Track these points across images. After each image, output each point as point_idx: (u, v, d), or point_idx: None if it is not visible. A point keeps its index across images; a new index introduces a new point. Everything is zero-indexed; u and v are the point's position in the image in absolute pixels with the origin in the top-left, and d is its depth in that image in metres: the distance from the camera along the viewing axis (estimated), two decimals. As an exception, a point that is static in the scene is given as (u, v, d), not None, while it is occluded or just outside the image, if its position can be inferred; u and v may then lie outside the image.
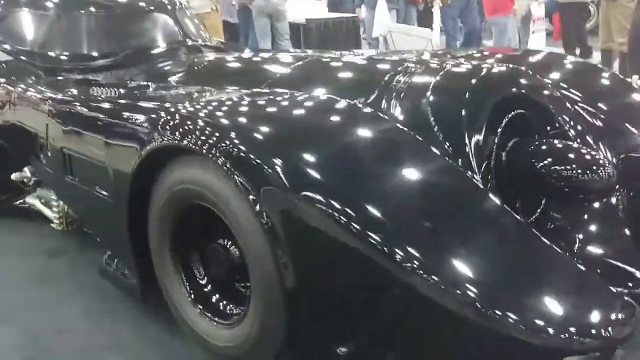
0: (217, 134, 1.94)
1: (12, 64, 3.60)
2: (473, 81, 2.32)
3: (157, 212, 2.21)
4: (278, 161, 1.80)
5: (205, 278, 2.26)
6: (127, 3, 3.77)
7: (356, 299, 1.75)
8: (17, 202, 3.50)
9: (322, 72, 2.85)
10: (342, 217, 1.69)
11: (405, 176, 1.86)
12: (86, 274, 2.88)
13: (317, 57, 3.06)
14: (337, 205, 1.71)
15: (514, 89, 2.38)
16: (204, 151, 1.92)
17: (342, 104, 2.12)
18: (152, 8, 3.74)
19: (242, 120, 2.03)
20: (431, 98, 2.28)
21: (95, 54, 3.57)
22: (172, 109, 2.19)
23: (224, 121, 2.02)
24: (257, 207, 1.78)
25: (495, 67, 2.53)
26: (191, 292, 2.25)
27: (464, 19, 7.15)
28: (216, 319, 2.18)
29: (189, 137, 1.99)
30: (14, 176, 3.27)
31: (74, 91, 2.95)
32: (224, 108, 2.14)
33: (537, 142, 2.31)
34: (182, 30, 3.79)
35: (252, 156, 1.82)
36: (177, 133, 2.05)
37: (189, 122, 2.04)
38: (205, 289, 2.25)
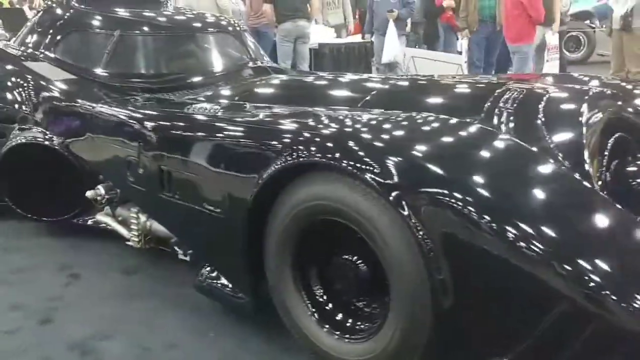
0: (364, 152, 2.00)
1: (76, 83, 3.62)
2: (585, 104, 2.42)
3: (279, 229, 2.26)
4: (432, 179, 1.86)
5: (328, 293, 2.30)
6: (192, 24, 3.83)
7: (514, 313, 1.81)
8: (86, 220, 3.50)
9: (415, 92, 2.94)
10: (500, 233, 1.76)
11: (550, 192, 1.94)
12: (170, 289, 2.95)
13: (401, 78, 3.15)
14: (494, 221, 1.77)
15: (617, 112, 2.49)
16: (349, 168, 1.98)
17: (471, 125, 2.20)
18: (218, 29, 3.80)
19: (386, 137, 2.09)
20: (543, 119, 2.38)
21: (164, 73, 3.61)
22: (308, 127, 2.25)
23: (370, 138, 2.08)
24: (411, 224, 1.84)
25: (598, 90, 2.64)
26: (313, 307, 2.29)
27: (490, 47, 7.28)
28: (342, 333, 2.22)
29: (331, 154, 2.05)
30: (88, 194, 3.29)
31: (167, 109, 2.98)
32: (360, 126, 2.20)
33: (637, 163, 2.42)
34: (247, 51, 3.86)
35: (404, 174, 1.89)
36: (314, 150, 2.10)
37: (329, 139, 2.11)
38: (329, 304, 2.29)
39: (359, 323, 2.22)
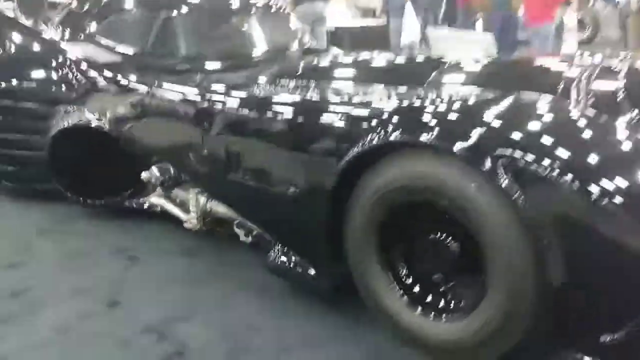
0: (460, 129, 1.97)
1: (125, 64, 3.56)
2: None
3: (365, 209, 2.23)
4: (538, 153, 1.84)
5: (414, 274, 2.27)
6: (240, 4, 3.77)
7: (628, 289, 1.80)
8: (138, 202, 3.46)
9: (500, 73, 2.91)
10: (610, 209, 1.73)
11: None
12: (235, 272, 2.93)
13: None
14: (603, 196, 1.75)
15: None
16: (445, 146, 1.95)
17: (562, 101, 2.18)
18: (265, 9, 3.75)
19: (483, 113, 2.05)
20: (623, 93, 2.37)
21: (214, 54, 3.55)
22: (396, 105, 2.21)
23: (465, 115, 2.05)
24: (516, 202, 1.82)
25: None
26: (401, 288, 2.26)
27: (505, 29, 7.23)
28: (433, 313, 2.20)
29: (425, 132, 2.02)
30: (143, 175, 3.24)
31: (234, 89, 2.93)
32: (468, 105, 2.17)
33: None
34: (294, 31, 3.82)
35: (505, 150, 1.87)
36: (416, 130, 2.07)
37: (420, 117, 2.08)
38: (416, 285, 2.27)
39: (449, 302, 2.20)
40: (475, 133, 1.95)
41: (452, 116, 2.09)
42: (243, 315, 2.57)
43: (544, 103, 2.16)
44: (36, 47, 3.87)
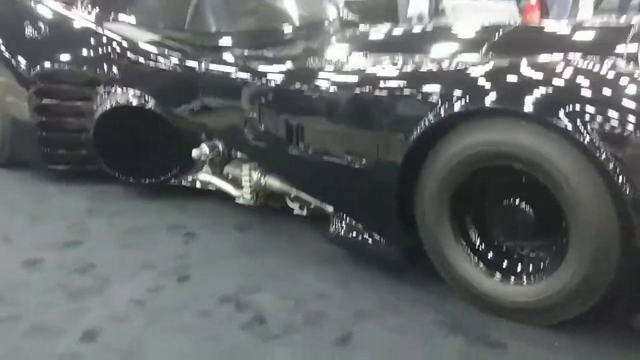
0: (542, 97, 2.04)
1: (164, 42, 3.58)
2: None
3: (439, 178, 2.29)
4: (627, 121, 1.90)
5: (490, 239, 2.35)
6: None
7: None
8: (186, 180, 3.50)
9: (538, 39, 2.97)
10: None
11: None
12: (294, 245, 3.00)
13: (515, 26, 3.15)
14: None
15: None
16: (532, 113, 2.02)
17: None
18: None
19: (561, 79, 2.10)
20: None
21: (255, 29, 3.60)
22: (471, 74, 2.27)
23: (544, 82, 2.10)
24: (605, 167, 1.91)
25: None
26: (476, 255, 2.34)
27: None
28: (511, 278, 2.28)
29: (508, 100, 2.10)
30: (194, 153, 3.28)
31: (291, 64, 2.97)
32: (527, 70, 2.22)
33: None
34: (330, 3, 3.86)
35: (594, 118, 1.95)
36: (485, 97, 2.14)
37: (501, 85, 2.15)
38: (493, 250, 2.34)
39: (526, 266, 2.27)
40: (556, 96, 2.00)
41: (530, 83, 2.13)
42: (311, 284, 2.64)
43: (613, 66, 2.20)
44: (72, 29, 3.84)
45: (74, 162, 3.82)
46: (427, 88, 2.32)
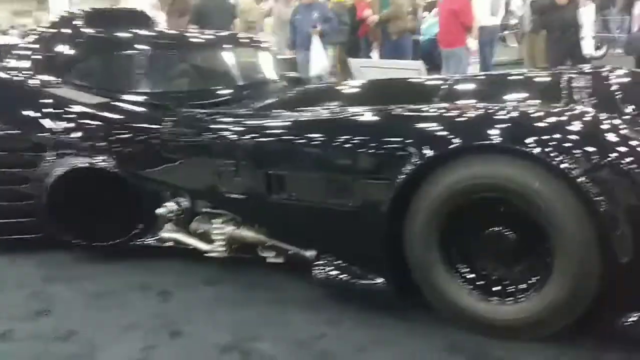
0: (521, 131, 2.34)
1: (117, 105, 3.62)
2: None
3: (427, 212, 2.49)
4: (597, 147, 2.22)
5: (477, 266, 2.56)
6: (222, 39, 3.95)
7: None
8: (147, 240, 3.50)
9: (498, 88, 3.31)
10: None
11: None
12: (272, 292, 3.07)
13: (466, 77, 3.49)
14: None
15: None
16: (511, 147, 2.31)
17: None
18: (253, 45, 3.96)
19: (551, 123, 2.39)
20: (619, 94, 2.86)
21: (207, 89, 3.72)
22: (446, 117, 2.56)
23: (541, 122, 2.39)
24: (582, 189, 2.18)
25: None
26: (465, 281, 2.54)
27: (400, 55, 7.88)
28: (500, 298, 2.49)
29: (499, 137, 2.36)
30: (160, 211, 3.31)
31: (265, 117, 3.12)
32: (499, 110, 2.50)
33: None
34: (276, 65, 4.05)
35: (569, 148, 2.25)
36: (472, 134, 2.39)
37: (484, 123, 2.42)
38: (481, 276, 2.55)
39: (515, 286, 2.49)
40: (539, 136, 2.28)
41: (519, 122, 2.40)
42: (305, 327, 2.72)
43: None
44: (15, 91, 3.78)
45: (19, 231, 3.68)
46: (417, 130, 2.60)
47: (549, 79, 3.52)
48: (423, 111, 2.73)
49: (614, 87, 3.04)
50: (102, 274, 3.41)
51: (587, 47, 6.46)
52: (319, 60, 8.40)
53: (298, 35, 8.78)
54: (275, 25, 9.76)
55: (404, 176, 2.50)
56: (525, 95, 3.09)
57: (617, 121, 2.46)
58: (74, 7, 21.95)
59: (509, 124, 2.42)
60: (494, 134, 2.37)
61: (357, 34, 8.78)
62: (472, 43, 7.52)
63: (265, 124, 3.04)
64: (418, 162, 2.46)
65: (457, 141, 2.41)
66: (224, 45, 3.98)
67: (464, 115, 2.59)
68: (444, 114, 2.62)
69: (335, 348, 2.54)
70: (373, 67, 6.38)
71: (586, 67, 3.63)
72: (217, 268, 3.33)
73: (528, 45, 7.49)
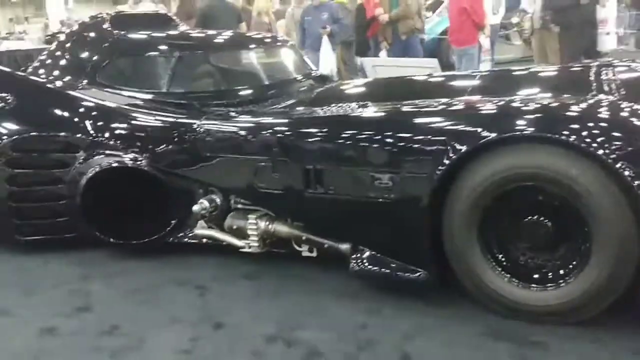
0: (563, 121, 2.40)
1: (148, 104, 3.69)
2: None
3: (468, 201, 2.56)
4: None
5: (514, 254, 2.63)
6: (249, 40, 4.02)
7: None
8: (181, 237, 3.56)
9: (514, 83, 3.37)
10: None
11: None
12: (309, 284, 3.14)
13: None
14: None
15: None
16: (555, 137, 2.36)
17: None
18: (276, 43, 4.03)
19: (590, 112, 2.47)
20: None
21: (237, 88, 3.82)
22: (487, 108, 2.65)
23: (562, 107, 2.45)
24: (622, 177, 2.26)
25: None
26: (503, 269, 2.61)
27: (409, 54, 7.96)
28: (537, 284, 2.56)
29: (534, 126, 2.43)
30: (195, 208, 3.37)
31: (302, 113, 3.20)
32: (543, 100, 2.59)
33: None
34: (303, 61, 4.12)
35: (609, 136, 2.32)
36: (513, 124, 2.46)
37: (525, 114, 2.48)
38: (520, 262, 2.62)
39: (554, 272, 2.56)
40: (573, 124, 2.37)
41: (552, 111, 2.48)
42: (346, 318, 2.78)
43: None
44: (43, 96, 3.85)
45: (52, 231, 3.74)
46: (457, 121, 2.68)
47: (578, 72, 3.58)
48: (454, 105, 2.79)
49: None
50: (138, 271, 3.46)
51: (610, 42, 6.50)
52: (328, 60, 8.48)
53: (308, 36, 8.87)
54: (288, 27, 9.84)
55: (441, 170, 2.55)
56: (556, 88, 3.14)
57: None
58: (71, 13, 22.14)
59: (542, 114, 2.48)
60: (527, 125, 2.44)
61: (367, 33, 8.82)
62: (484, 41, 7.59)
63: (302, 120, 3.09)
64: (453, 156, 2.51)
65: (489, 134, 2.46)
66: (250, 46, 4.05)
67: (496, 108, 2.64)
68: (476, 108, 2.68)
69: (380, 336, 2.60)
70: (387, 65, 6.41)
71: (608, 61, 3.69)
72: (253, 263, 3.38)
73: (538, 42, 7.51)
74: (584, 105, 2.51)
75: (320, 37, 8.58)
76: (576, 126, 2.36)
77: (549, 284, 2.55)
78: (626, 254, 2.34)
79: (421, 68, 6.04)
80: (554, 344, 2.43)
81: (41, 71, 4.17)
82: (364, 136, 2.83)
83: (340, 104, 3.18)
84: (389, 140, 2.74)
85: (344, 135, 2.87)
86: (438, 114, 2.76)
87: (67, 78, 4.00)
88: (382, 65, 6.60)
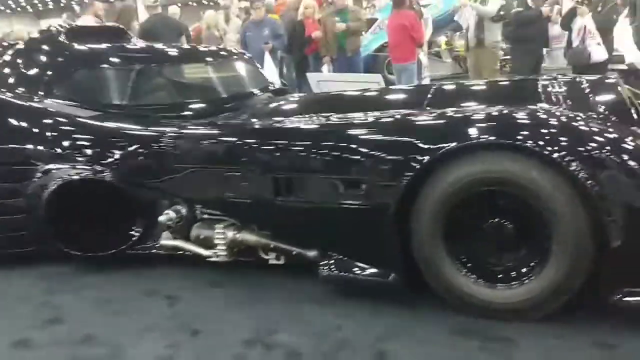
0: (519, 128, 2.61)
1: (108, 116, 3.72)
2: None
3: (434, 206, 2.71)
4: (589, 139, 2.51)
5: (479, 255, 2.80)
6: (207, 53, 4.10)
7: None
8: (146, 248, 3.59)
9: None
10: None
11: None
12: (277, 292, 3.21)
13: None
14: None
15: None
16: (510, 143, 2.57)
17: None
18: (233, 56, 4.12)
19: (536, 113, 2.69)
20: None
21: (195, 101, 3.89)
22: (451, 117, 2.82)
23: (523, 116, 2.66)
24: (576, 178, 2.46)
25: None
26: (468, 269, 2.78)
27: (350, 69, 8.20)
28: (502, 284, 2.74)
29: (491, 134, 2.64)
30: (162, 218, 3.42)
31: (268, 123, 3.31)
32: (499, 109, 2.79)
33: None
34: (259, 74, 4.23)
35: (565, 140, 2.53)
36: (475, 132, 2.65)
37: (487, 121, 2.69)
38: (484, 264, 2.79)
39: (516, 271, 2.74)
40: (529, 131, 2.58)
41: (506, 117, 2.71)
42: (320, 322, 2.87)
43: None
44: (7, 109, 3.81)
45: (9, 245, 3.69)
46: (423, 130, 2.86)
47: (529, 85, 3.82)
48: (416, 116, 2.96)
49: (586, 91, 3.35)
50: (105, 283, 3.47)
51: (599, 53, 6.86)
52: (271, 75, 8.58)
53: (250, 51, 8.95)
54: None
55: (407, 179, 2.70)
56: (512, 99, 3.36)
57: (594, 117, 2.76)
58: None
59: (501, 122, 2.67)
60: (488, 133, 2.63)
61: (305, 50, 9.01)
62: (423, 58, 7.88)
63: (273, 131, 3.20)
64: (417, 165, 2.67)
65: (452, 143, 2.63)
66: (207, 59, 4.12)
67: (459, 117, 2.82)
68: (438, 118, 2.86)
69: (355, 337, 2.71)
70: (332, 80, 6.56)
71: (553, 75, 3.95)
72: (219, 271, 3.43)
73: (473, 59, 7.87)
74: (537, 114, 2.71)
75: (262, 53, 8.68)
76: (531, 132, 2.56)
77: (514, 283, 2.71)
78: (582, 251, 2.53)
79: (366, 83, 6.23)
80: (520, 340, 2.60)
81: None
82: (333, 145, 2.94)
83: (306, 115, 3.29)
84: (357, 149, 2.87)
85: (312, 145, 2.98)
86: (397, 125, 2.91)
87: (21, 90, 3.94)
88: (327, 80, 6.75)
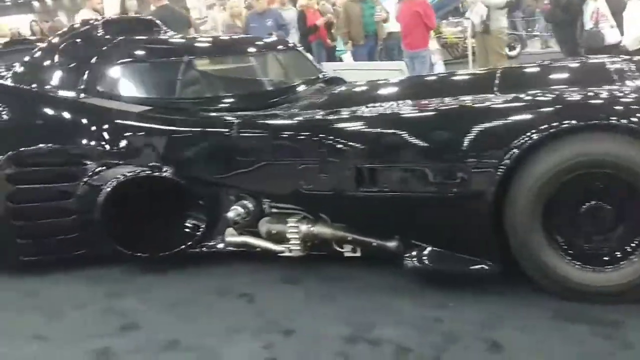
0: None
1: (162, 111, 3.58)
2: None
3: (533, 190, 2.64)
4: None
5: (577, 238, 2.74)
6: (258, 44, 3.97)
7: None
8: (209, 246, 3.46)
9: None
10: None
11: None
12: (363, 286, 3.10)
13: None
14: None
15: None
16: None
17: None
18: (284, 47, 4.00)
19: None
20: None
21: (248, 93, 3.75)
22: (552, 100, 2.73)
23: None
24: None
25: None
26: (568, 255, 2.72)
27: (370, 58, 8.14)
28: (604, 267, 2.69)
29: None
30: (230, 214, 3.30)
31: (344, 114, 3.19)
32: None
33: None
34: (312, 64, 4.12)
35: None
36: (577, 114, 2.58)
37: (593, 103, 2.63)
38: (583, 248, 2.73)
39: (615, 254, 2.68)
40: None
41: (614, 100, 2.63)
42: (415, 313, 2.78)
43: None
44: (44, 105, 3.64)
45: (58, 250, 3.53)
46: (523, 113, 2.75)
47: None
48: (519, 99, 2.88)
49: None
50: (167, 284, 3.33)
51: (613, 35, 6.79)
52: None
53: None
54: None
55: (507, 160, 2.62)
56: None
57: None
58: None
59: (606, 103, 2.60)
60: (595, 114, 2.57)
61: (308, 39, 8.94)
62: (435, 44, 7.83)
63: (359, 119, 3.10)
64: (520, 146, 2.59)
65: (556, 124, 2.56)
66: (258, 49, 4.00)
67: (561, 98, 2.74)
68: (538, 99, 2.78)
69: (459, 327, 2.62)
70: (349, 69, 6.46)
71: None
72: (288, 267, 3.31)
73: (480, 44, 7.85)
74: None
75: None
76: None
77: (614, 265, 2.65)
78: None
79: (387, 71, 6.15)
80: (629, 321, 2.54)
81: (26, 78, 3.93)
82: (422, 132, 2.84)
83: (384, 103, 3.19)
84: (451, 135, 2.80)
85: (399, 132, 2.88)
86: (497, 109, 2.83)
87: (60, 85, 3.78)
88: (343, 69, 6.63)
